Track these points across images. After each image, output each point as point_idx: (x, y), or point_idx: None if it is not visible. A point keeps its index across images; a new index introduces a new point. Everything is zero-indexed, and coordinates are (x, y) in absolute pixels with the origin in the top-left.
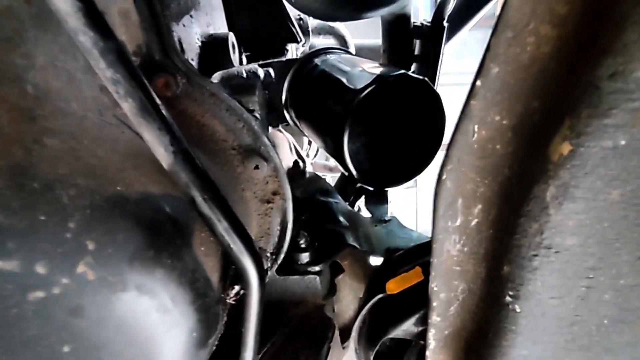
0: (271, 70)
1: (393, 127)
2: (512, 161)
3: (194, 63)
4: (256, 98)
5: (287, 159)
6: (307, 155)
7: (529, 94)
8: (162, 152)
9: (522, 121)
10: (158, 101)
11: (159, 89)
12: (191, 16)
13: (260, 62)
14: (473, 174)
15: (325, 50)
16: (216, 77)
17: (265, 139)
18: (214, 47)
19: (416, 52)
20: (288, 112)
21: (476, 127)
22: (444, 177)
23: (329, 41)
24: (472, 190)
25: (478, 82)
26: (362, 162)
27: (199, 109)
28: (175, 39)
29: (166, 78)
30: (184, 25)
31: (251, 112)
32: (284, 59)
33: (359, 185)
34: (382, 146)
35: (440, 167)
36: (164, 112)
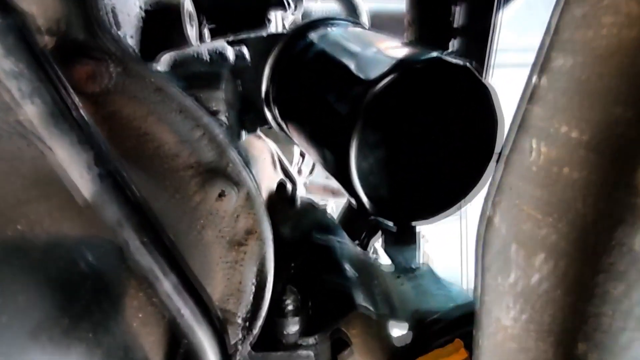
0: (245, 50)
1: (422, 134)
2: (587, 191)
3: (134, 42)
4: (221, 93)
5: (268, 179)
6: (299, 172)
7: (610, 96)
8: (83, 176)
9: (601, 134)
10: (77, 102)
11: (81, 81)
12: None
13: (230, 38)
14: (532, 209)
15: (325, 21)
16: (165, 61)
17: (235, 154)
18: (162, 18)
19: (457, 24)
20: (270, 110)
21: (536, 142)
22: (491, 213)
23: (331, 6)
24: (531, 233)
25: (537, 79)
26: (376, 186)
27: (139, 109)
28: (107, 9)
29: (92, 66)
30: None
31: (215, 114)
32: (264, 33)
33: (373, 217)
34: (406, 162)
35: (485, 199)
36: (85, 117)
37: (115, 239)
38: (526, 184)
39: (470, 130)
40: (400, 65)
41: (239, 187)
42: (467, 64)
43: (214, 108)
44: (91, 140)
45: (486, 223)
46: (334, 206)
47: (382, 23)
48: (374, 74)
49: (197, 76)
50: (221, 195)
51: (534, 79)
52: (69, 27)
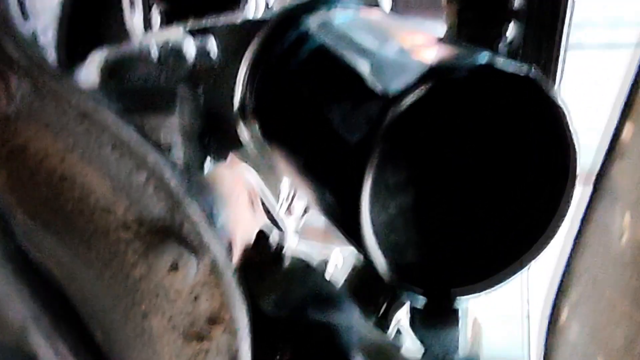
0: (212, 43)
1: (463, 171)
2: None
3: (51, 35)
4: (176, 119)
5: (243, 227)
6: (289, 211)
7: None
8: None
9: None
10: None
11: None
12: None
13: (190, 26)
14: (626, 305)
15: (327, 1)
16: (94, 65)
17: (194, 207)
18: (92, 3)
19: (516, 4)
20: (247, 126)
21: (628, 213)
22: (564, 311)
23: None
24: (625, 340)
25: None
26: (400, 245)
27: (55, 144)
28: None
29: None
30: None
31: (166, 149)
32: (237, 18)
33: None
34: (440, 211)
35: (556, 296)
36: None
37: (18, 341)
38: (613, 267)
39: (531, 164)
40: (434, 74)
41: (200, 256)
42: (530, 74)
43: (165, 141)
44: None
45: (557, 325)
46: (340, 257)
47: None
48: (396, 84)
49: (140, 93)
50: (173, 267)
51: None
52: None
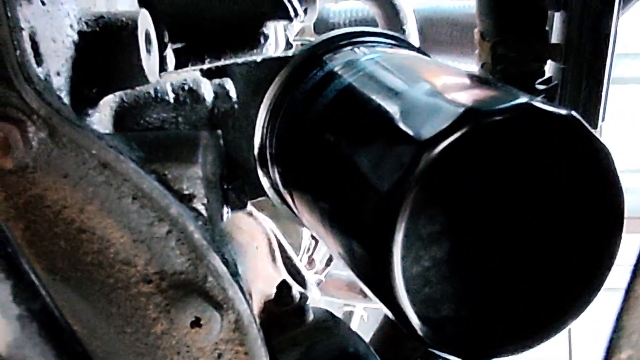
0: (230, 84)
1: (503, 221)
2: None
3: (62, 81)
4: (198, 169)
5: (263, 279)
6: (310, 263)
7: None
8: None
9: None
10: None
11: None
12: None
13: (207, 65)
14: None
15: (351, 38)
16: (106, 107)
17: (217, 261)
18: (106, 43)
19: (554, 39)
20: (267, 174)
21: None
22: None
23: (358, 12)
24: None
25: None
26: (434, 302)
27: (74, 195)
28: (25, 34)
29: (4, 131)
30: (42, 4)
31: (188, 200)
32: (258, 57)
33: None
34: (479, 265)
35: (605, 355)
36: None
37: None
38: None
39: (574, 212)
40: (469, 117)
41: (224, 312)
42: (570, 115)
43: (188, 191)
44: (8, 266)
45: None
46: (365, 314)
47: (437, 32)
48: (429, 128)
49: (161, 142)
50: (196, 323)
51: None
52: None
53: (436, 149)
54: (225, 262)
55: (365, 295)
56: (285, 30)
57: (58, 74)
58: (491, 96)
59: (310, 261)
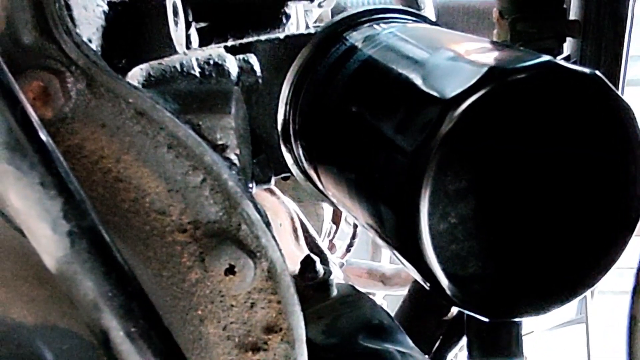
0: (254, 60)
1: (526, 179)
2: None
3: (95, 46)
4: (231, 120)
5: (287, 255)
6: (331, 248)
7: None
8: (46, 233)
9: None
10: (40, 127)
11: (29, 103)
12: None
13: (231, 43)
14: None
15: (371, 15)
16: (136, 74)
17: (252, 210)
18: (135, 15)
19: (573, 16)
20: (291, 150)
21: None
22: None
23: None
24: None
25: None
26: (461, 258)
27: (110, 144)
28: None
29: (42, 81)
30: None
31: (222, 150)
32: (280, 34)
33: (453, 312)
34: (504, 222)
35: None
36: (51, 149)
37: (91, 330)
38: None
39: (598, 173)
40: (494, 75)
41: (257, 260)
42: (597, 72)
43: (221, 141)
44: (60, 184)
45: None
46: (385, 302)
47: (454, 20)
48: (453, 88)
49: (194, 95)
50: (230, 271)
51: None
52: (12, 26)
53: (461, 106)
54: (259, 211)
55: (385, 283)
56: (305, 16)
57: (90, 40)
58: (515, 56)
59: (331, 246)
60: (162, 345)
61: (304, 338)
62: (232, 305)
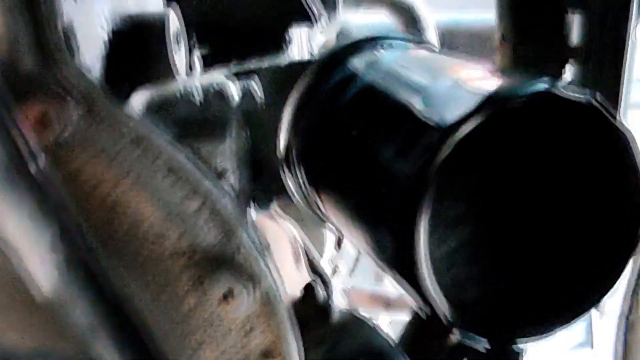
0: (255, 85)
1: (526, 204)
2: None
3: (96, 74)
4: (230, 145)
5: (288, 279)
6: (334, 271)
7: None
8: (38, 264)
9: None
10: (37, 153)
11: (29, 128)
12: None
13: (233, 69)
14: None
15: (373, 41)
16: (138, 104)
17: (246, 236)
18: (136, 41)
19: (574, 40)
20: (292, 174)
21: None
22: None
23: (380, 20)
24: None
25: None
26: (460, 283)
27: (109, 170)
28: (62, 26)
29: (42, 107)
30: (74, 1)
31: (220, 175)
32: (282, 60)
33: (454, 336)
34: (503, 247)
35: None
36: (46, 176)
37: (83, 354)
38: None
39: (597, 196)
40: (492, 103)
41: (253, 284)
42: (592, 100)
43: (220, 167)
44: (51, 213)
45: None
46: (389, 327)
47: (456, 43)
48: (451, 115)
49: (193, 120)
50: (227, 296)
51: None
52: (12, 52)
53: (459, 132)
54: (255, 237)
55: (388, 308)
56: (308, 41)
57: (92, 67)
58: (512, 83)
59: (334, 269)
60: None
61: None
62: (230, 330)
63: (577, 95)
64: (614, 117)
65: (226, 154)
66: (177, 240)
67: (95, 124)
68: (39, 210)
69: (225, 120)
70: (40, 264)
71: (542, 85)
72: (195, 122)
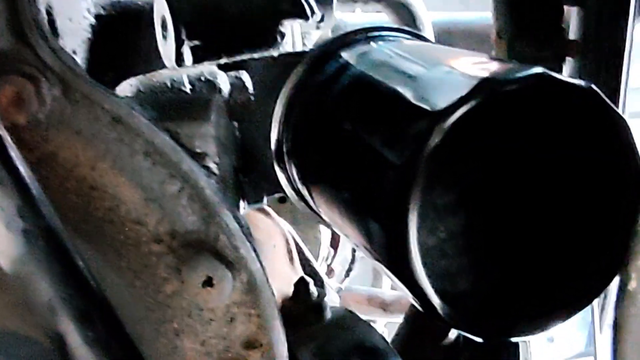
0: (246, 77)
1: (520, 192)
2: None
3: (80, 58)
4: (210, 128)
5: (280, 277)
6: (329, 272)
7: None
8: (1, 232)
9: None
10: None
11: (2, 108)
12: None
13: (224, 61)
14: None
15: (366, 33)
16: (125, 89)
17: (229, 218)
18: (122, 28)
19: (572, 35)
20: (284, 169)
21: None
22: (632, 277)
23: (377, 16)
24: None
25: None
26: (451, 274)
27: (86, 151)
28: (42, 6)
29: (15, 86)
30: None
31: (200, 158)
32: (274, 52)
33: (450, 337)
34: (496, 236)
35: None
36: (9, 148)
37: (47, 335)
38: None
39: (595, 190)
40: (486, 87)
41: (236, 271)
42: (591, 85)
43: (200, 149)
44: (16, 181)
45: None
46: (386, 331)
47: (453, 42)
48: (443, 100)
49: (173, 102)
50: (207, 283)
51: None
52: None
53: (450, 118)
54: (238, 222)
55: (385, 310)
56: (303, 38)
57: (74, 52)
58: (507, 68)
59: (329, 270)
60: (122, 352)
61: (286, 355)
62: (211, 320)
63: (575, 80)
64: (612, 102)
65: (206, 137)
66: (155, 225)
67: (70, 104)
68: (7, 176)
69: (206, 103)
70: (7, 231)
71: (539, 68)
72: (174, 104)
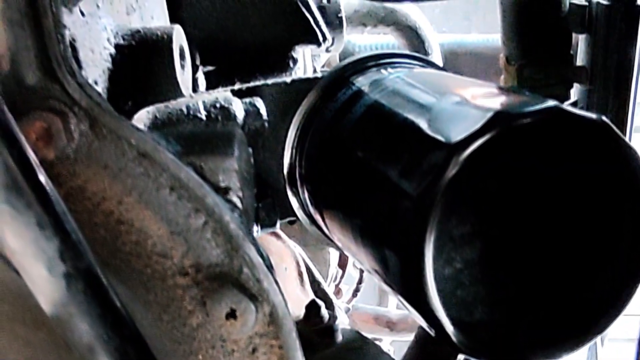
0: (260, 104)
1: (535, 223)
2: None
3: (101, 88)
4: (234, 162)
5: (292, 300)
6: (337, 293)
7: None
8: (42, 274)
9: None
10: (38, 167)
11: (31, 143)
12: None
13: (237, 87)
14: None
15: (378, 60)
16: (142, 117)
17: (254, 253)
18: (142, 57)
19: (580, 62)
20: (297, 194)
21: None
22: None
23: (385, 40)
24: None
25: None
26: (467, 305)
27: (113, 186)
28: (67, 33)
29: (45, 122)
30: (81, 15)
31: (224, 192)
32: (287, 78)
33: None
34: (512, 267)
35: None
36: (48, 189)
37: None
38: None
39: (606, 218)
40: (500, 120)
41: (259, 303)
42: (603, 118)
43: (224, 183)
44: (56, 224)
45: None
46: (392, 349)
47: (460, 64)
48: (458, 133)
49: (197, 137)
50: (231, 315)
51: None
52: (15, 66)
53: (466, 150)
54: (261, 254)
55: (391, 329)
56: (313, 61)
57: (96, 83)
58: (521, 101)
59: (338, 291)
60: None
61: None
62: (234, 350)
63: (587, 113)
64: (623, 136)
65: (229, 171)
66: (181, 258)
67: (98, 139)
68: (46, 218)
69: (229, 136)
70: (48, 274)
71: (551, 102)
72: (199, 138)
